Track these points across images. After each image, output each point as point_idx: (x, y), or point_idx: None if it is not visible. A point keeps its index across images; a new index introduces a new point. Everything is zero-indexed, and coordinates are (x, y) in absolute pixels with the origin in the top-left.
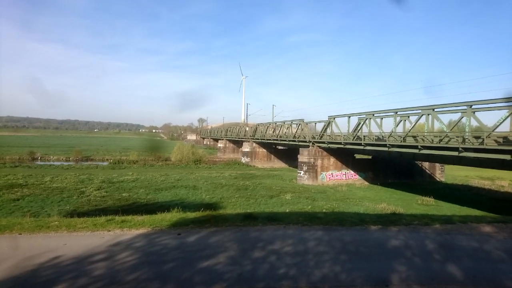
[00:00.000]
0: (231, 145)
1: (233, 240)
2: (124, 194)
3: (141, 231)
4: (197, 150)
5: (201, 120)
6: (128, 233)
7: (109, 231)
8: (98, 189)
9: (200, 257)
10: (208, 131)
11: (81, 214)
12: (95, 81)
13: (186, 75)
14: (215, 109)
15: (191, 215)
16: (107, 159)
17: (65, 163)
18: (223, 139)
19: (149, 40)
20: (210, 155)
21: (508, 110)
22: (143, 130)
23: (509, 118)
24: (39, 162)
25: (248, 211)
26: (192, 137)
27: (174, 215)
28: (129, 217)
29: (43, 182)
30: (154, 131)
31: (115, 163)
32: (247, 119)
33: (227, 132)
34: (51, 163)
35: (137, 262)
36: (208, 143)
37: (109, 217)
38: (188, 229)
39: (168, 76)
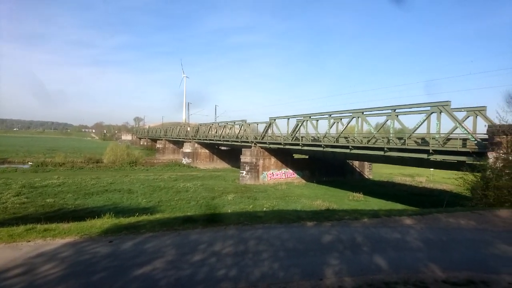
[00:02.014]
0: (171, 145)
1: (171, 244)
2: (48, 200)
3: (67, 240)
4: (133, 151)
5: (137, 119)
6: (52, 243)
7: (29, 241)
8: (17, 195)
9: (134, 265)
10: (146, 130)
11: None
12: (16, 73)
13: (122, 71)
14: (154, 108)
15: (124, 220)
16: (28, 162)
17: None
18: (162, 140)
19: (80, 32)
20: (147, 156)
21: (425, 114)
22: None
23: (426, 121)
24: None
25: (188, 213)
26: (127, 137)
27: (105, 221)
28: (53, 225)
29: None
30: (84, 130)
31: (38, 166)
32: (188, 119)
33: (166, 132)
34: None
35: (62, 274)
36: (145, 143)
37: (30, 226)
38: (121, 236)
39: (101, 71)
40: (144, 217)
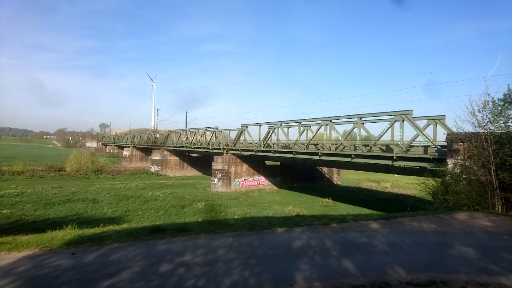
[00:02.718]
0: (139, 153)
1: (138, 255)
2: (4, 211)
3: (25, 253)
4: (98, 159)
5: (103, 126)
6: (7, 257)
7: None
8: None
9: (99, 277)
10: (112, 137)
11: None
12: None
13: (85, 76)
14: (120, 114)
15: (88, 231)
16: None
17: None
18: (129, 147)
19: (40, 35)
20: (113, 164)
21: (389, 122)
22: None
23: (390, 129)
24: None
25: (157, 223)
26: (92, 144)
27: (67, 233)
28: (10, 238)
29: None
30: (45, 137)
31: None
32: (157, 125)
33: (134, 139)
34: None
35: None
36: (111, 151)
37: None
38: (85, 247)
39: (64, 77)
40: (109, 228)
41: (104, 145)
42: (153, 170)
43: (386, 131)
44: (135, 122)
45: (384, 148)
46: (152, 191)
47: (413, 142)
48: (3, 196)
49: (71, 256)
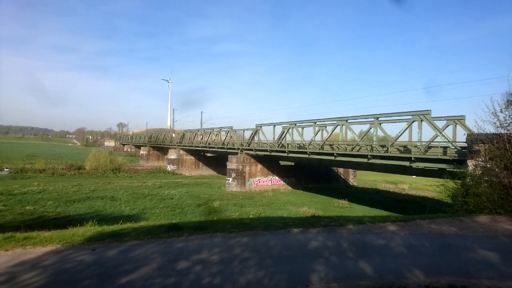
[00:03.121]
0: (156, 152)
1: (156, 252)
2: (28, 208)
3: (49, 248)
4: (116, 158)
5: (121, 125)
6: (33, 252)
7: (7, 250)
8: None
9: (119, 273)
10: (130, 137)
11: None
12: None
13: (105, 76)
14: (138, 114)
15: (108, 228)
16: (6, 168)
17: None
18: (146, 146)
19: (61, 36)
20: (131, 163)
21: (407, 122)
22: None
23: (408, 130)
24: None
25: (173, 221)
26: (110, 143)
27: (88, 229)
28: (34, 233)
29: None
30: (68, 136)
31: (17, 173)
32: (173, 125)
33: (151, 138)
34: None
35: (45, 283)
36: (129, 150)
37: (8, 234)
38: (105, 244)
39: (83, 77)
40: (128, 225)
41: (122, 144)
42: (169, 169)
43: (404, 131)
44: (152, 122)
45: (401, 149)
46: (169, 189)
47: (431, 143)
48: (27, 193)
49: (92, 252)
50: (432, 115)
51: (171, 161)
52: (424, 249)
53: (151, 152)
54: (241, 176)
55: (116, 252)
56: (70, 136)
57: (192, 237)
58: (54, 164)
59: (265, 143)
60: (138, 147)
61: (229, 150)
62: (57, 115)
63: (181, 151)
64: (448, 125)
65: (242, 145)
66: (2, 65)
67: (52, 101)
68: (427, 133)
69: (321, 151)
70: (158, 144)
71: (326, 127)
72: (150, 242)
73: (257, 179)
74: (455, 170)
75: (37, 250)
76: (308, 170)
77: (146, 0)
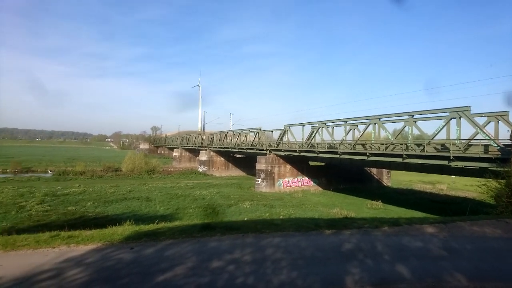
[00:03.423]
0: (188, 154)
1: (190, 251)
2: (70, 208)
3: (90, 246)
4: (150, 160)
5: (154, 128)
6: (76, 249)
7: (54, 248)
8: (41, 203)
9: (156, 271)
10: (163, 139)
11: (20, 231)
12: (36, 85)
13: (138, 82)
14: (170, 117)
15: (144, 228)
16: (50, 171)
17: (2, 176)
18: (178, 148)
19: (96, 44)
20: (164, 164)
21: (444, 120)
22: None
23: (445, 127)
24: None
25: (206, 221)
26: (144, 146)
27: (126, 229)
28: (76, 232)
29: None
30: (106, 140)
31: (60, 175)
32: (204, 127)
33: (183, 140)
34: None
35: (88, 279)
36: (162, 152)
37: (54, 232)
38: (142, 243)
39: (118, 83)
40: (163, 224)
41: (156, 146)
42: (200, 170)
43: (441, 129)
44: (183, 125)
45: (439, 147)
46: (200, 190)
47: (472, 141)
48: (68, 194)
49: (130, 250)
50: (472, 112)
51: (202, 162)
52: (466, 252)
53: (183, 154)
54: (270, 177)
55: (153, 251)
56: (108, 139)
57: (224, 237)
58: (93, 166)
59: (294, 143)
60: (171, 149)
61: (257, 151)
62: (95, 120)
63: (212, 153)
64: (490, 122)
65: (270, 145)
66: (44, 74)
67: (90, 107)
68: (467, 130)
69: (352, 150)
70: (190, 146)
71: (357, 126)
72: (185, 241)
73: (286, 179)
74: (498, 169)
75: (79, 248)
76: (339, 171)
77: (175, 6)
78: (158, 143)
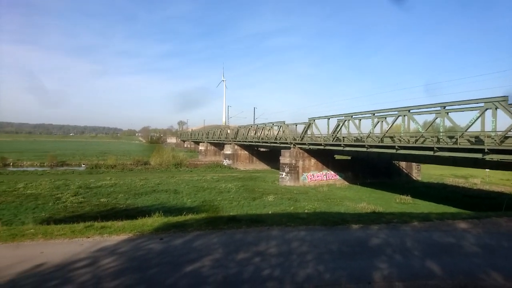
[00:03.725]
0: (213, 147)
1: (217, 243)
2: (102, 200)
3: (122, 237)
4: (178, 154)
5: (181, 123)
6: (108, 239)
7: (88, 237)
8: (75, 195)
9: (184, 261)
10: (189, 134)
11: (57, 221)
12: (69, 83)
13: (165, 78)
14: (195, 112)
15: (173, 219)
16: (83, 164)
17: (39, 169)
18: (204, 142)
19: (126, 42)
20: (191, 158)
21: (479, 110)
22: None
23: (480, 118)
24: (11, 168)
25: (231, 213)
26: (172, 140)
27: (155, 220)
28: (109, 223)
29: (16, 189)
30: (137, 134)
31: (92, 168)
32: (228, 121)
33: (208, 134)
34: (24, 169)
35: (120, 268)
36: (188, 146)
37: (88, 223)
38: (171, 234)
39: (146, 79)
40: (190, 216)
41: (182, 140)
42: (225, 164)
43: (475, 120)
44: (208, 119)
45: (472, 139)
46: (225, 183)
47: (509, 133)
48: (101, 186)
49: (160, 241)
50: (510, 102)
51: (227, 156)
52: (502, 249)
53: (208, 148)
54: (294, 171)
55: (181, 242)
56: (137, 134)
57: (250, 229)
58: (124, 160)
59: (319, 136)
60: (197, 143)
61: (281, 145)
62: (124, 115)
63: (236, 146)
64: None
65: (294, 139)
66: (77, 72)
67: (120, 102)
68: (503, 121)
69: (380, 144)
70: (215, 140)
71: (385, 118)
72: (212, 233)
73: (311, 173)
74: None
75: (112, 238)
76: (366, 164)
77: (200, 2)
78: (185, 137)
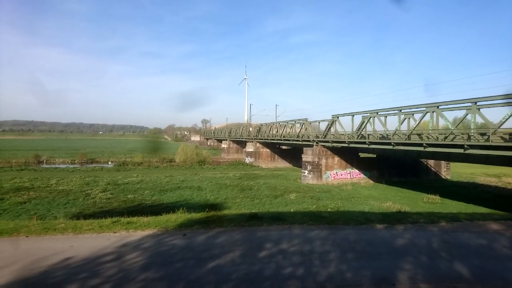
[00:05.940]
0: (235, 145)
1: (239, 240)
2: (129, 196)
3: (147, 232)
4: (201, 151)
5: (204, 121)
6: (134, 235)
7: (115, 232)
8: (104, 191)
9: (207, 257)
10: (212, 132)
11: (87, 216)
12: (98, 84)
13: (189, 78)
14: (218, 110)
15: (196, 216)
16: (112, 161)
17: (71, 166)
18: (226, 140)
19: (151, 43)
20: (214, 155)
21: None
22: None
23: None
24: (44, 165)
25: (253, 211)
26: (196, 138)
27: (179, 216)
28: (135, 219)
29: (49, 185)
30: (161, 132)
31: (120, 165)
32: (250, 119)
33: (230, 132)
34: (57, 166)
35: (145, 263)
36: (212, 144)
37: (115, 218)
38: (194, 230)
39: (170, 79)
40: (213, 213)
41: (206, 138)
42: (247, 161)
43: (510, 116)
44: (231, 117)
45: (506, 137)
46: (247, 181)
47: None
48: (128, 183)
49: (183, 237)
50: None
51: (249, 154)
52: None
53: (231, 146)
54: (317, 169)
55: (204, 238)
56: (162, 132)
57: (271, 227)
58: (150, 157)
59: (343, 134)
60: (220, 141)
61: (304, 143)
62: (150, 113)
63: (258, 144)
64: None
65: (317, 137)
66: (105, 73)
67: (146, 102)
68: None
69: (407, 141)
70: (237, 138)
71: (413, 114)
72: (234, 229)
73: (334, 171)
74: None
75: (137, 234)
76: (392, 163)
77: (222, 1)
78: (208, 135)
